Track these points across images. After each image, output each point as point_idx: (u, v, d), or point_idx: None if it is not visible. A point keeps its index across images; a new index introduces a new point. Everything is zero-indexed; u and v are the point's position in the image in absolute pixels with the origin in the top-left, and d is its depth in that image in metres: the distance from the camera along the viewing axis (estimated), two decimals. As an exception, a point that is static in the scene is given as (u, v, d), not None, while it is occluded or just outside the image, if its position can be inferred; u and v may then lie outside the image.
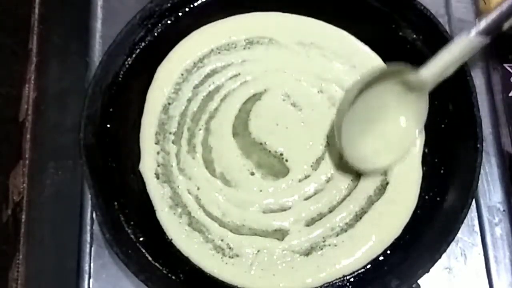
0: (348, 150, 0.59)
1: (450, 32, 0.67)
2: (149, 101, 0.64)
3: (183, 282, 0.58)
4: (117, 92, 0.62)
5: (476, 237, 0.63)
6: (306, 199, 0.61)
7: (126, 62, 0.63)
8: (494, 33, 0.55)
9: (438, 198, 0.60)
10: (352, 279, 0.59)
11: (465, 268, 0.62)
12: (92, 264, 0.62)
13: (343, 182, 0.62)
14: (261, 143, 0.63)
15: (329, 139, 0.62)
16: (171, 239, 0.59)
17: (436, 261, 0.55)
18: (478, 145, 0.57)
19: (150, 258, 0.58)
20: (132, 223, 0.59)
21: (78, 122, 0.58)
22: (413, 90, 0.59)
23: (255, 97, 0.64)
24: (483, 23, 0.55)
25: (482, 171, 0.58)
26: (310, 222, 0.60)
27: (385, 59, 0.65)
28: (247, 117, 0.64)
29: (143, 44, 0.64)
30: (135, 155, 0.62)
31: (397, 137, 0.61)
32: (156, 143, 0.63)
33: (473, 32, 0.55)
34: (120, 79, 0.63)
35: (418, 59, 0.63)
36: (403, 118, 0.61)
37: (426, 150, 0.62)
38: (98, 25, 0.70)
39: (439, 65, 0.57)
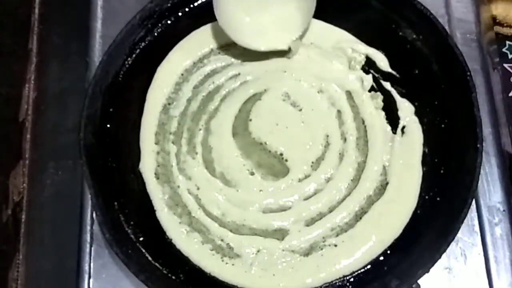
0: (228, 23, 0.61)
1: (450, 32, 0.67)
2: (149, 101, 0.64)
3: (183, 282, 0.58)
4: (117, 92, 0.62)
5: (476, 237, 0.63)
6: (306, 199, 0.61)
7: (126, 62, 0.63)
8: None
9: (438, 198, 0.60)
10: (352, 279, 0.59)
11: (465, 268, 0.62)
12: (92, 264, 0.62)
13: (343, 182, 0.62)
14: (261, 143, 0.63)
15: None
16: (171, 239, 0.59)
17: (436, 261, 0.55)
18: (478, 145, 0.57)
19: (150, 258, 0.58)
20: (132, 223, 0.59)
21: (78, 122, 0.58)
22: None
23: (255, 97, 0.64)
24: None
25: (482, 171, 0.58)
26: (310, 222, 0.60)
27: (385, 59, 0.65)
28: (247, 117, 0.64)
29: (143, 44, 0.64)
30: (135, 155, 0.62)
31: (285, 21, 0.63)
32: (156, 143, 0.63)
33: None
34: (120, 79, 0.63)
35: (418, 59, 0.63)
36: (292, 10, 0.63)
37: (426, 150, 0.62)
38: (98, 25, 0.70)
39: None
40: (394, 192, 0.61)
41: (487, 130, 0.65)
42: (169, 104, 0.64)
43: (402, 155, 0.62)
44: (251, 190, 0.61)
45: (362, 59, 0.65)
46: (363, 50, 0.65)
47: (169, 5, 0.64)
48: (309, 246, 0.59)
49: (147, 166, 0.62)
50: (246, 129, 0.63)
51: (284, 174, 0.62)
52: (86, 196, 0.63)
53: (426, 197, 0.61)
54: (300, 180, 0.62)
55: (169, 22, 0.66)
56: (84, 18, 0.70)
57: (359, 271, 0.59)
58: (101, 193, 0.58)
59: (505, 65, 0.68)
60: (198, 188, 0.61)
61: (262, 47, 0.63)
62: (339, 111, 0.64)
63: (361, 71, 0.65)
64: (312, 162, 0.62)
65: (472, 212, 0.63)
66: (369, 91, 0.65)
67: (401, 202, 0.61)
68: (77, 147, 0.58)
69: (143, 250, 0.58)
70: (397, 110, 0.64)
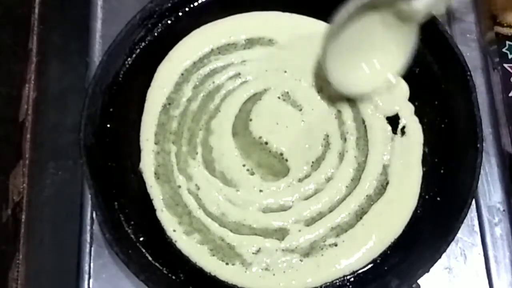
0: (334, 74, 0.59)
1: (450, 32, 0.67)
2: (149, 101, 0.64)
3: (183, 282, 0.58)
4: (117, 92, 0.62)
5: (476, 237, 0.63)
6: (306, 199, 0.61)
7: (126, 62, 0.63)
8: None
9: (438, 198, 0.60)
10: (352, 279, 0.59)
11: (465, 268, 0.62)
12: (92, 264, 0.62)
13: (343, 182, 0.62)
14: (261, 143, 0.63)
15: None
16: (171, 239, 0.59)
17: (436, 261, 0.55)
18: (478, 145, 0.57)
19: (150, 258, 0.58)
20: (132, 223, 0.59)
21: (78, 122, 0.58)
22: (403, 21, 0.58)
23: (255, 97, 0.64)
24: None
25: (482, 171, 0.58)
26: (310, 222, 0.60)
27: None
28: (247, 117, 0.64)
29: (143, 44, 0.64)
30: (135, 155, 0.62)
31: (382, 66, 0.61)
32: (156, 143, 0.63)
33: None
34: (120, 79, 0.63)
35: (418, 59, 0.63)
36: (391, 49, 0.61)
37: (426, 150, 0.62)
38: (98, 25, 0.70)
39: None
40: (394, 192, 0.61)
41: (487, 130, 0.65)
42: (169, 104, 0.64)
43: (402, 155, 0.62)
44: (251, 190, 0.61)
45: None
46: None
47: (169, 5, 0.64)
48: (309, 246, 0.59)
49: (147, 166, 0.62)
50: (246, 129, 0.63)
51: (284, 174, 0.62)
52: (86, 196, 0.63)
53: (426, 197, 0.61)
54: (300, 180, 0.62)
55: (169, 22, 0.66)
56: (84, 18, 0.70)
57: (359, 271, 0.59)
58: (101, 193, 0.58)
59: (505, 65, 0.69)
60: (198, 188, 0.61)
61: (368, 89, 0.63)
62: (339, 111, 0.64)
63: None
64: (312, 162, 0.62)
65: (472, 212, 0.63)
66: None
67: (401, 202, 0.61)
68: (77, 147, 0.58)
69: (143, 250, 0.58)
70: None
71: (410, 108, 0.63)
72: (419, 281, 0.56)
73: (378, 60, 0.61)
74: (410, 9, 0.57)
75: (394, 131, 0.63)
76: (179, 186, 0.61)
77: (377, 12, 0.58)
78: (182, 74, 0.65)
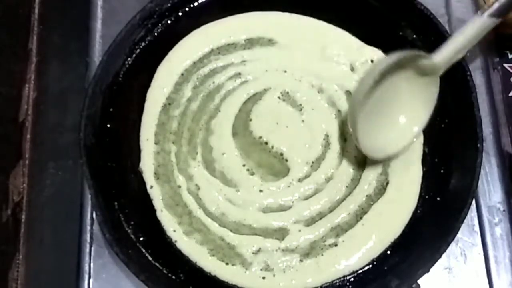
0: (364, 141, 0.58)
1: (450, 32, 0.67)
2: (149, 101, 0.64)
3: (183, 282, 0.58)
4: (117, 92, 0.62)
5: (476, 237, 0.63)
6: (306, 199, 0.61)
7: (126, 62, 0.63)
8: (504, 14, 0.56)
9: (438, 198, 0.60)
10: (352, 279, 0.59)
11: (465, 268, 0.62)
12: (92, 264, 0.62)
13: (343, 182, 0.62)
14: (261, 143, 0.63)
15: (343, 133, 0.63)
16: (171, 239, 0.59)
17: (436, 261, 0.55)
18: (478, 145, 0.57)
19: (150, 258, 0.58)
20: (132, 223, 0.59)
21: (78, 122, 0.58)
22: (425, 75, 0.58)
23: (255, 97, 0.64)
24: (496, 5, 0.56)
25: (482, 171, 0.58)
26: (310, 222, 0.60)
27: (385, 59, 0.65)
28: (247, 117, 0.64)
29: (143, 44, 0.64)
30: (135, 155, 0.62)
31: (409, 122, 0.60)
32: (156, 143, 0.63)
33: (486, 14, 0.56)
34: (120, 79, 0.63)
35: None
36: (415, 103, 0.60)
37: (426, 150, 0.62)
38: (98, 25, 0.70)
39: (452, 48, 0.57)
40: (394, 192, 0.61)
41: (487, 130, 0.65)
42: (169, 104, 0.64)
43: (402, 155, 0.62)
44: (251, 190, 0.61)
45: (365, 61, 0.65)
46: (369, 54, 0.65)
47: (169, 5, 0.64)
48: (309, 246, 0.59)
49: (147, 166, 0.62)
50: (246, 129, 0.63)
51: (284, 174, 0.62)
52: (86, 196, 0.63)
53: (426, 197, 0.61)
54: (300, 180, 0.62)
55: (169, 22, 0.66)
56: (84, 18, 0.70)
57: (359, 271, 0.59)
58: (101, 193, 0.58)
59: (505, 65, 0.69)
60: (198, 188, 0.61)
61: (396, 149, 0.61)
62: (339, 111, 0.64)
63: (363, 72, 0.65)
64: (312, 162, 0.62)
65: (472, 212, 0.63)
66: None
67: (401, 202, 0.61)
68: (77, 147, 0.58)
69: (143, 250, 0.58)
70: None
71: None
72: (419, 281, 0.56)
73: (405, 117, 0.60)
74: (431, 64, 0.57)
75: (394, 131, 0.63)
76: (179, 186, 0.61)
77: (400, 70, 0.57)
78: (182, 74, 0.65)
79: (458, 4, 0.71)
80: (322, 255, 0.59)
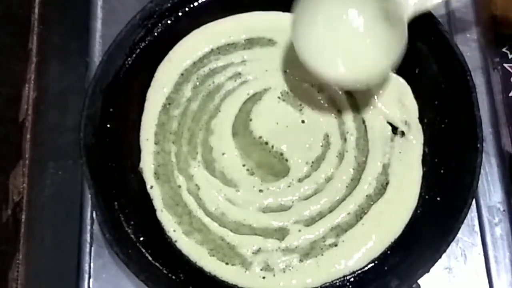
0: (301, 44, 0.59)
1: (450, 32, 0.67)
2: (149, 101, 0.64)
3: (183, 282, 0.58)
4: (117, 92, 0.62)
5: (476, 237, 0.63)
6: (306, 199, 0.61)
7: (126, 62, 0.63)
8: None
9: (438, 198, 0.60)
10: (352, 279, 0.59)
11: (465, 268, 0.62)
12: (92, 264, 0.62)
13: (343, 182, 0.62)
14: (261, 143, 0.63)
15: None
16: (171, 239, 0.59)
17: (436, 261, 0.55)
18: (478, 145, 0.57)
19: (150, 258, 0.58)
20: (132, 223, 0.59)
21: (78, 122, 0.58)
22: (391, 18, 0.58)
23: (255, 97, 0.64)
24: None
25: (482, 171, 0.58)
26: (310, 222, 0.60)
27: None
28: (247, 116, 0.64)
29: (143, 44, 0.64)
30: (135, 155, 0.62)
31: (362, 58, 0.60)
32: (156, 143, 0.63)
33: None
34: (120, 79, 0.63)
35: (418, 59, 0.63)
36: (374, 44, 0.60)
37: (426, 150, 0.62)
38: (98, 25, 0.70)
39: None
40: (394, 192, 0.61)
41: (487, 130, 0.65)
42: (169, 104, 0.64)
43: (402, 155, 0.62)
44: (251, 190, 0.61)
45: None
46: None
47: (169, 5, 0.64)
48: (309, 246, 0.59)
49: (147, 166, 0.62)
50: (246, 129, 0.63)
51: (284, 174, 0.62)
52: (86, 196, 0.63)
53: (426, 197, 0.61)
54: (300, 180, 0.62)
55: (169, 22, 0.65)
56: (84, 18, 0.70)
57: (359, 271, 0.59)
58: (101, 193, 0.58)
59: (505, 65, 0.69)
60: (198, 188, 0.61)
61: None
62: (339, 111, 0.64)
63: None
64: (312, 162, 0.62)
65: (472, 212, 0.63)
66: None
67: (401, 202, 0.61)
68: (77, 147, 0.58)
69: (143, 250, 0.58)
70: (397, 110, 0.64)
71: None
72: (419, 281, 0.56)
73: (364, 52, 0.60)
74: (397, 5, 0.57)
75: (394, 131, 0.63)
76: (179, 186, 0.61)
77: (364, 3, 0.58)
78: (182, 74, 0.65)
79: (458, 4, 0.71)
80: (322, 255, 0.59)
